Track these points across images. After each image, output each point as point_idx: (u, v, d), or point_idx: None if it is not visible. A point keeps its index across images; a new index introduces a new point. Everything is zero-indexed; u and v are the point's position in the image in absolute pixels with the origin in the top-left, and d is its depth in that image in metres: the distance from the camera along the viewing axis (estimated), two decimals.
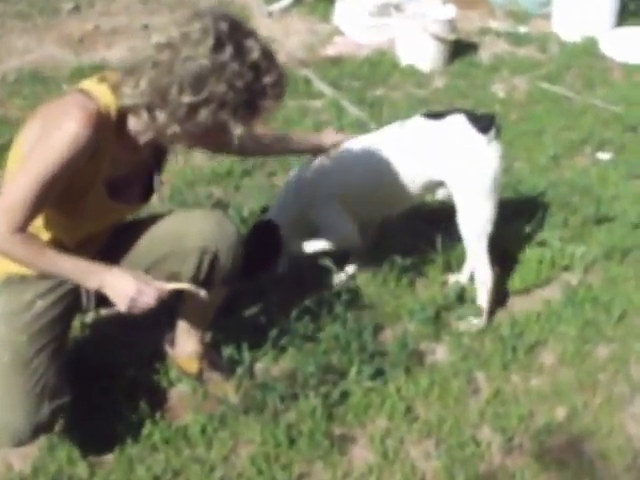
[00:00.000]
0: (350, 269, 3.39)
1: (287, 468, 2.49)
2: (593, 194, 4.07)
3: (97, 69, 5.61)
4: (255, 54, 1.93)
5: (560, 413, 2.75)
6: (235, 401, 2.68)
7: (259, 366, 2.86)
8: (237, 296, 2.94)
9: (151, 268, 2.41)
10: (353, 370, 2.80)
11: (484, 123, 2.88)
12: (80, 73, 5.63)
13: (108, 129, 2.03)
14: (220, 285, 2.51)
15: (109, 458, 2.51)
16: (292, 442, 2.56)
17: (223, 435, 2.59)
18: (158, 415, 2.64)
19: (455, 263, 3.45)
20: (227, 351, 2.75)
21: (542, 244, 3.56)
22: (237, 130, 1.99)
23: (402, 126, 3.03)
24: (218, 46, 1.90)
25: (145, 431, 2.58)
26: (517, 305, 3.29)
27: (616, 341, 3.08)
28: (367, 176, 3.01)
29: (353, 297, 3.11)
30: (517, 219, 3.72)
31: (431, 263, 3.45)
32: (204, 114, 1.94)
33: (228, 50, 1.89)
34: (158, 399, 2.74)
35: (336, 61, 6.51)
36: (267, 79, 1.96)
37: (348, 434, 2.64)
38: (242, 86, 1.92)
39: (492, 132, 2.89)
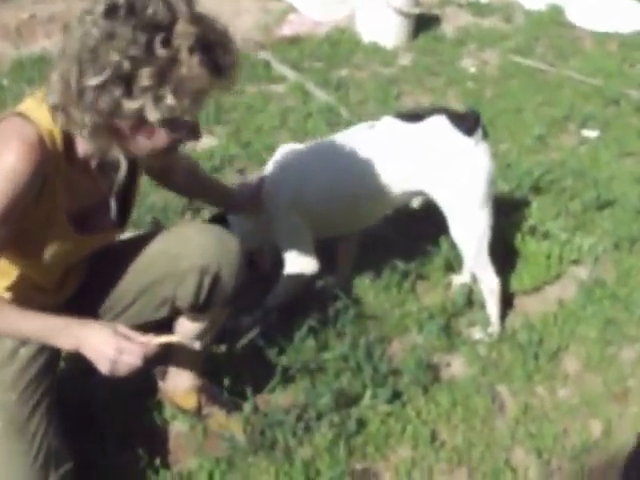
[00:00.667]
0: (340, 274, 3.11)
1: None
2: (588, 177, 3.88)
3: (38, 61, 5.26)
4: (153, 10, 1.51)
5: (595, 428, 2.54)
6: (241, 439, 2.40)
7: (264, 397, 2.58)
8: (232, 318, 2.66)
9: (143, 294, 2.11)
10: (367, 394, 2.54)
11: (468, 123, 2.55)
12: (20, 66, 5.29)
13: (55, 157, 1.68)
14: (221, 306, 2.21)
15: None
16: None
17: None
18: (158, 461, 2.35)
19: (456, 262, 3.21)
20: (227, 382, 2.47)
21: (546, 236, 3.34)
22: (154, 115, 1.58)
23: (371, 128, 2.69)
24: (109, 11, 1.52)
25: None
26: (530, 306, 3.07)
27: None
28: (328, 185, 2.70)
29: (356, 309, 2.84)
30: (514, 209, 3.51)
31: (430, 263, 3.21)
32: (106, 98, 1.55)
33: (121, 12, 1.51)
34: (154, 442, 2.45)
35: (294, 41, 6.22)
36: (179, 41, 1.52)
37: (371, 469, 2.39)
38: (139, 54, 1.51)
39: (478, 132, 2.57)
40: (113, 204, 1.96)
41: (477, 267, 2.79)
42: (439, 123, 2.56)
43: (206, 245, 2.06)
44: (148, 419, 2.51)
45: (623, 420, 2.56)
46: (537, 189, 3.70)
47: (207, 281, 2.06)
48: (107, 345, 1.70)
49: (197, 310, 2.15)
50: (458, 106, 5.00)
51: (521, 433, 2.50)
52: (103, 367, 1.73)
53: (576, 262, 3.27)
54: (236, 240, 2.13)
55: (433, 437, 2.47)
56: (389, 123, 2.67)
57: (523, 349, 2.79)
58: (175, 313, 2.21)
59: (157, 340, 1.79)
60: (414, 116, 2.64)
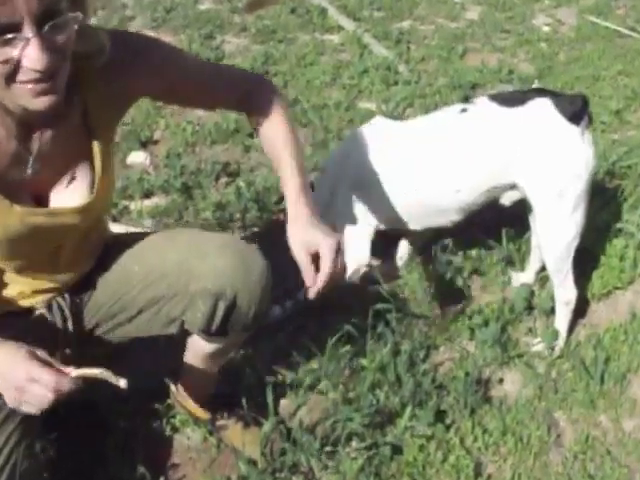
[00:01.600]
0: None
1: None
2: None
3: None
4: None
5: None
6: (259, 459, 2.11)
7: (287, 409, 2.29)
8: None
9: (149, 308, 1.81)
10: (406, 414, 2.22)
11: (575, 109, 2.24)
12: None
13: None
14: (238, 332, 1.88)
15: None
16: None
17: None
18: (162, 478, 2.08)
19: (518, 257, 2.86)
20: (247, 390, 2.17)
21: (620, 233, 2.95)
22: None
23: (463, 112, 2.37)
24: None
25: None
26: (597, 315, 2.72)
27: None
28: (407, 173, 2.41)
29: (400, 309, 2.52)
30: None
31: (487, 258, 2.86)
32: None
33: None
34: (160, 453, 2.17)
35: None
36: None
37: None
38: None
39: (585, 120, 2.26)
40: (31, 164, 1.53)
41: (557, 273, 2.44)
42: (542, 107, 2.26)
43: (223, 267, 1.71)
44: (155, 426, 2.24)
45: None
46: (612, 175, 3.30)
47: (222, 307, 1.74)
48: (17, 371, 1.37)
49: (210, 334, 1.83)
50: (529, 69, 4.59)
51: (578, 471, 2.17)
52: (8, 397, 1.40)
53: None
54: (261, 261, 1.77)
55: (477, 470, 2.15)
56: (484, 106, 2.35)
57: (587, 370, 2.44)
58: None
59: (77, 372, 1.45)
60: (513, 99, 2.34)
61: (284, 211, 1.75)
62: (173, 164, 3.32)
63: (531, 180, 2.31)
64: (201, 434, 2.21)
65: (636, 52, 4.80)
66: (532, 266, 2.77)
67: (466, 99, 4.12)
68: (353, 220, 2.48)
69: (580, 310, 2.66)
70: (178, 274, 1.75)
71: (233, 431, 2.18)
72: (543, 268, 2.64)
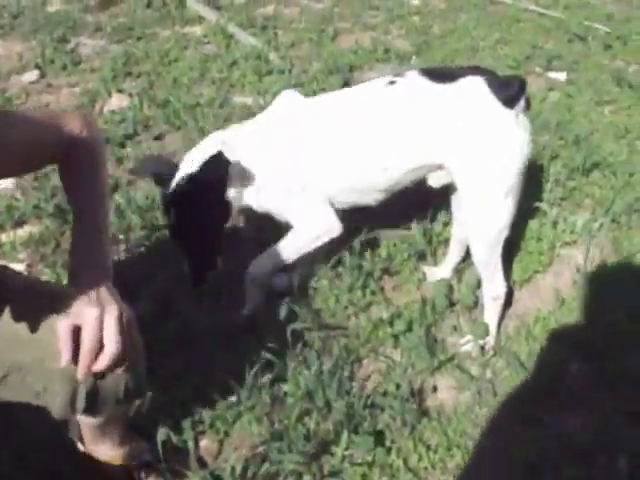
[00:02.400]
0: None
1: None
2: (568, 132, 3.35)
3: None
4: None
5: None
6: None
7: (209, 451, 2.03)
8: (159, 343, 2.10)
9: (13, 373, 1.50)
10: (343, 441, 2.00)
11: (510, 92, 2.08)
12: None
13: None
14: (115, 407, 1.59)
15: None
16: None
17: None
18: None
19: (429, 250, 2.68)
20: (163, 444, 1.90)
21: (535, 213, 2.85)
22: None
23: (390, 84, 2.17)
24: None
25: None
26: (523, 304, 2.59)
27: None
28: (333, 149, 2.21)
29: (316, 321, 2.30)
30: None
31: (398, 254, 2.67)
32: None
33: None
34: None
35: None
36: None
37: None
38: None
39: (520, 104, 2.09)
40: None
41: (486, 266, 2.27)
42: (475, 86, 2.09)
43: None
44: None
45: None
46: None
47: (82, 391, 1.47)
48: None
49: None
50: (404, 45, 4.43)
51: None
52: None
53: (569, 244, 2.76)
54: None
55: None
56: (413, 80, 2.15)
57: (522, 364, 2.28)
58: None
59: None
60: (444, 74, 2.16)
61: None
62: (42, 186, 2.97)
63: (460, 163, 2.12)
64: None
65: (511, 19, 4.71)
66: (450, 259, 2.60)
67: (346, 84, 3.92)
68: (296, 198, 2.25)
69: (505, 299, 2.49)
70: (39, 347, 1.45)
71: None
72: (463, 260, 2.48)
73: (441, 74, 2.15)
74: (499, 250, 2.22)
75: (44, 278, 2.50)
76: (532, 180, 2.94)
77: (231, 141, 2.21)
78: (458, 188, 2.17)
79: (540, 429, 2.13)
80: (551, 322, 2.43)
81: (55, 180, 3.07)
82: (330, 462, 1.99)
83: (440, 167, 2.19)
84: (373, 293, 2.53)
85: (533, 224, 2.75)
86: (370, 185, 2.25)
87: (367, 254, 2.62)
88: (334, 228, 2.27)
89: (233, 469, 1.91)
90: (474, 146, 2.08)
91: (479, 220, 2.16)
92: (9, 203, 2.93)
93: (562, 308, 2.49)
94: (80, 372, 1.25)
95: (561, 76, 3.98)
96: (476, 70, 2.14)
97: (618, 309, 2.45)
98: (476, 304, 2.47)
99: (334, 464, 1.98)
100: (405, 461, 2.02)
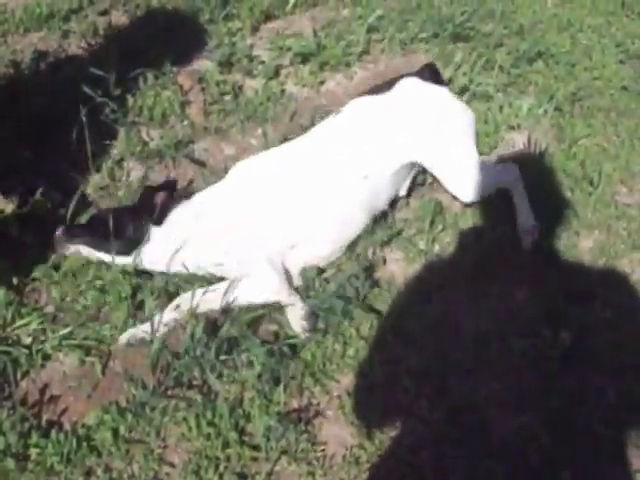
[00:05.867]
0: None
1: None
2: (512, 22, 3.38)
3: None
4: None
5: None
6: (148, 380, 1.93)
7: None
8: None
9: None
10: None
11: (436, 75, 2.38)
12: None
13: None
14: None
15: None
16: None
17: None
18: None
19: None
20: None
21: (478, 97, 2.90)
22: None
23: (338, 115, 2.31)
24: None
25: None
26: None
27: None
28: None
29: None
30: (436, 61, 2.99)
31: None
32: None
33: None
34: (33, 389, 1.96)
35: None
36: None
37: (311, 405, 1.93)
38: None
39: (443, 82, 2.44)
40: None
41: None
42: (412, 84, 2.32)
43: None
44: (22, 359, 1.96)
45: None
46: (457, 37, 3.18)
47: None
48: None
49: None
50: None
51: None
52: None
53: (514, 128, 2.82)
54: None
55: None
56: (356, 105, 2.31)
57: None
58: None
59: None
60: (380, 88, 2.36)
61: None
62: None
63: (431, 149, 2.27)
64: (76, 357, 1.97)
65: None
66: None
67: None
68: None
69: None
70: None
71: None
72: None
73: (376, 89, 2.35)
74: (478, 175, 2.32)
75: None
76: (477, 66, 2.99)
77: None
78: (434, 170, 2.32)
79: (489, 301, 2.22)
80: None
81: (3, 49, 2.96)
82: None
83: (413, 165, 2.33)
84: None
85: (480, 107, 2.80)
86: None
87: None
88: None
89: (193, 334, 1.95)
90: (439, 125, 2.26)
91: (464, 178, 2.32)
92: None
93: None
94: None
95: None
96: (400, 76, 2.36)
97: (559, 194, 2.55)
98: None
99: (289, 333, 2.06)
100: (357, 330, 2.09)
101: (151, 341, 1.94)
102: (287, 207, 2.16)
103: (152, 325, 1.98)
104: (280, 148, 2.32)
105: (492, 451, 1.87)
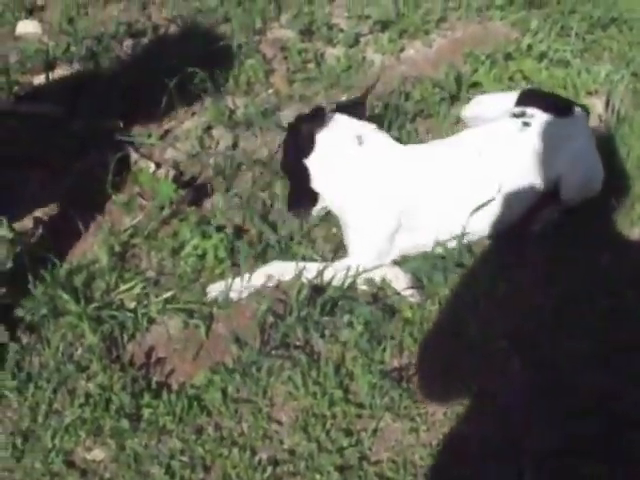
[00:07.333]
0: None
1: None
2: None
3: None
4: None
5: None
6: (253, 342, 1.95)
7: None
8: None
9: None
10: None
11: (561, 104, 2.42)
12: None
13: None
14: None
15: None
16: None
17: None
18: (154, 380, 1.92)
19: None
20: None
21: (561, 63, 2.91)
22: None
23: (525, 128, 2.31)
24: None
25: None
26: None
27: None
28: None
29: None
30: (512, 29, 3.03)
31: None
32: None
33: None
34: (139, 353, 2.01)
35: None
36: None
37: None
38: None
39: None
40: None
41: None
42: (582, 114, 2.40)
43: None
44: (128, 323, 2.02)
45: None
46: (531, 4, 3.20)
47: None
48: None
49: None
50: None
51: None
52: None
53: (591, 93, 2.83)
54: None
55: None
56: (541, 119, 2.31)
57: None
58: None
59: None
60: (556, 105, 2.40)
61: None
62: (70, 30, 2.92)
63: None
64: (180, 320, 2.02)
65: None
66: None
67: None
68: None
69: None
70: None
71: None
72: None
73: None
74: None
75: None
76: (552, 33, 3.00)
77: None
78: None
79: (576, 266, 2.24)
80: None
81: (81, 24, 3.03)
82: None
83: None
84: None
85: (559, 73, 2.81)
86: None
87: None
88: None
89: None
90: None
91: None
92: (38, 47, 2.88)
93: None
94: None
95: None
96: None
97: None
98: None
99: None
100: (452, 291, 2.13)
101: (257, 302, 2.00)
102: (435, 194, 2.20)
103: (241, 283, 2.05)
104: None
105: (579, 408, 1.89)
